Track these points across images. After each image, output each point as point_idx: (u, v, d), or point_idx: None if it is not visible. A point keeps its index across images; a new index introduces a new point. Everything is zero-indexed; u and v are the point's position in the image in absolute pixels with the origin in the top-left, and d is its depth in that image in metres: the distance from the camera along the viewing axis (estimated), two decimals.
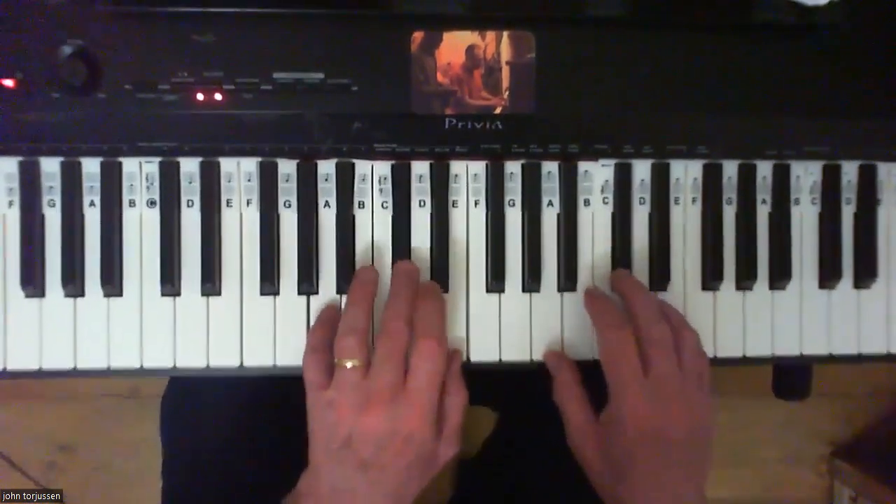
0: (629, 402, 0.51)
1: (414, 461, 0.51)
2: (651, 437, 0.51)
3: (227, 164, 0.55)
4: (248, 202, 0.56)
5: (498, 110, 0.55)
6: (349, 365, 0.50)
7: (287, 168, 0.56)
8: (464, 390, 0.54)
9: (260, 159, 0.55)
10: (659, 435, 0.51)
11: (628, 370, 0.52)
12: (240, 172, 0.56)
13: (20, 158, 0.54)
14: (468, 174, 0.57)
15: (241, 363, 0.56)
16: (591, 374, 0.55)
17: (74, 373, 0.55)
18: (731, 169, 0.59)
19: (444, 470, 0.54)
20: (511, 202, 0.57)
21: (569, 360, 0.57)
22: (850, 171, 0.60)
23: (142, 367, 0.55)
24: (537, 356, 0.57)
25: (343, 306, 0.54)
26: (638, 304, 0.54)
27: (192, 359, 0.56)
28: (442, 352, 0.51)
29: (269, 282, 0.55)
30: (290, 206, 0.56)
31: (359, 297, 0.53)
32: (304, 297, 0.56)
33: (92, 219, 0.55)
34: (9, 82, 0.52)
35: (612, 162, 0.58)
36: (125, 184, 0.55)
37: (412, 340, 0.51)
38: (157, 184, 0.55)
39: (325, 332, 0.53)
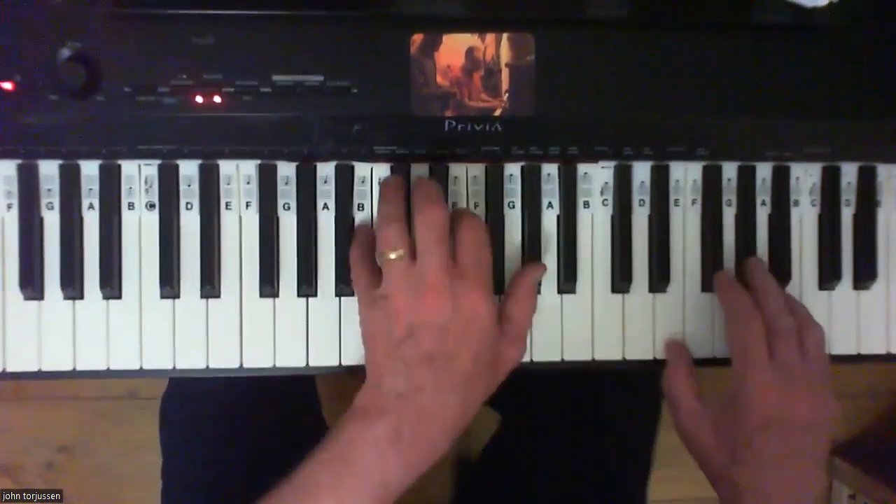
0: (756, 386, 0.52)
1: (479, 349, 0.49)
2: (774, 423, 0.52)
3: (227, 167, 0.55)
4: (248, 205, 0.56)
5: (497, 112, 0.54)
6: (395, 255, 0.49)
7: (286, 170, 0.55)
8: (533, 301, 0.54)
9: (259, 162, 0.55)
10: (782, 422, 0.52)
11: (757, 356, 0.52)
12: (239, 175, 0.55)
13: (18, 161, 0.54)
14: (468, 176, 0.57)
15: (241, 364, 0.56)
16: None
17: (74, 374, 0.55)
18: (730, 170, 0.58)
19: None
20: (511, 204, 0.57)
21: (686, 350, 0.58)
22: (849, 172, 0.60)
23: (141, 368, 0.55)
24: (538, 358, 0.57)
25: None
26: (767, 296, 0.55)
27: (191, 360, 0.55)
28: (483, 225, 0.51)
29: (269, 284, 0.55)
30: (289, 208, 0.56)
31: (391, 194, 0.52)
32: (303, 300, 0.56)
33: (91, 221, 0.55)
34: (7, 85, 0.51)
35: (611, 164, 0.58)
36: (124, 186, 0.55)
37: (453, 224, 0.50)
38: (156, 186, 0.55)
39: (364, 246, 0.53)
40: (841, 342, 0.60)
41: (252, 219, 0.55)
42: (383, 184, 0.54)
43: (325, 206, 0.56)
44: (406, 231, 0.50)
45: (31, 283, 0.54)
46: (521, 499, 0.75)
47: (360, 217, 0.56)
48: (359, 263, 0.53)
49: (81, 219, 0.55)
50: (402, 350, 0.48)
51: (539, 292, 0.57)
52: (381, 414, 0.47)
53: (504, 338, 0.51)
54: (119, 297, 0.55)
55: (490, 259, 0.51)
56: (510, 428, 0.83)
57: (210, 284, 0.55)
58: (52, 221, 0.54)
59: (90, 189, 0.55)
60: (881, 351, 0.61)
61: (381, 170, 0.56)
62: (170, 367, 0.55)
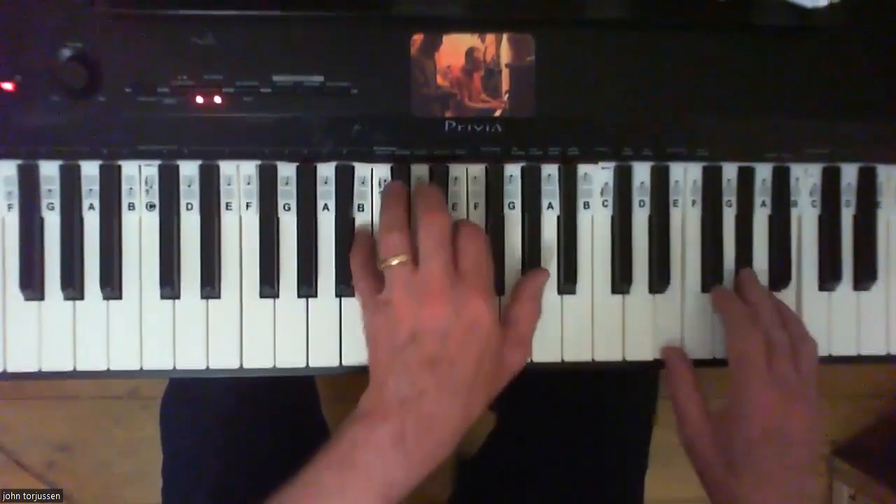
0: (757, 398, 0.53)
1: (481, 354, 0.49)
2: (773, 435, 0.52)
3: (227, 168, 0.55)
4: (248, 205, 0.56)
5: (498, 113, 0.55)
6: (397, 262, 0.49)
7: (286, 171, 0.55)
8: (537, 306, 0.54)
9: (259, 162, 0.55)
10: (780, 434, 0.52)
11: (757, 368, 0.53)
12: (239, 175, 0.55)
13: (19, 162, 0.54)
14: (468, 177, 0.57)
15: (241, 365, 0.56)
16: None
17: (74, 374, 0.55)
18: (730, 171, 0.58)
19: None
20: (511, 205, 0.57)
21: (687, 358, 0.58)
22: (849, 173, 0.60)
23: (141, 368, 0.55)
24: (538, 359, 0.57)
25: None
26: (761, 310, 0.56)
27: (191, 360, 0.55)
28: (484, 233, 0.51)
29: (269, 285, 0.55)
30: (289, 209, 0.56)
31: (393, 201, 0.52)
32: (303, 300, 0.56)
33: (91, 222, 0.55)
34: (8, 85, 0.52)
35: (611, 164, 0.57)
36: (124, 187, 0.55)
37: (454, 231, 0.50)
38: (156, 187, 0.55)
39: (365, 252, 0.53)
40: (841, 343, 0.60)
41: (252, 219, 0.55)
42: (384, 190, 0.54)
43: (326, 207, 0.56)
44: (408, 237, 0.50)
45: (32, 284, 0.54)
46: (519, 498, 0.75)
47: (360, 218, 0.56)
48: (360, 269, 0.53)
49: (82, 219, 0.55)
50: (404, 355, 0.48)
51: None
52: (384, 418, 0.47)
53: (507, 342, 0.51)
54: (119, 297, 0.55)
55: (491, 265, 0.51)
56: (507, 427, 0.83)
57: (210, 285, 0.55)
58: (52, 222, 0.54)
59: (90, 189, 0.55)
60: (881, 352, 0.61)
61: (382, 170, 0.56)
62: (170, 367, 0.55)
